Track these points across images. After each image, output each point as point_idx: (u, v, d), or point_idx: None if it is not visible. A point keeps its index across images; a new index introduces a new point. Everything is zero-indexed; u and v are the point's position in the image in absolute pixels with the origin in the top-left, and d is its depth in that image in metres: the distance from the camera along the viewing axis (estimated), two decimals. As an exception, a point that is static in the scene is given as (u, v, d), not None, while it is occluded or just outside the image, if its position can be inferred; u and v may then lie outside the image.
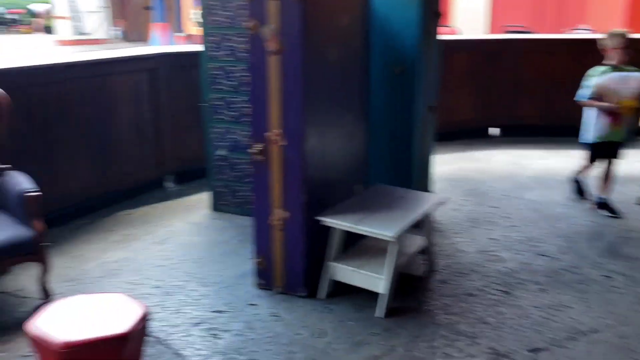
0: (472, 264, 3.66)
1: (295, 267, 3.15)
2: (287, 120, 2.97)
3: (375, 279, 3.04)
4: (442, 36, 4.25)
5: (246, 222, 4.27)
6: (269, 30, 2.89)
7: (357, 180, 3.63)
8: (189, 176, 5.17)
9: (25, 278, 3.39)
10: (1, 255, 2.90)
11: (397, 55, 3.84)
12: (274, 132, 3.01)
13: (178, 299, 3.21)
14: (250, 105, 3.07)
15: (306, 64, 2.89)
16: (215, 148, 4.39)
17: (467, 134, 6.71)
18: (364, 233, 3.03)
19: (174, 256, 3.76)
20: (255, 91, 3.02)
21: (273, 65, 2.92)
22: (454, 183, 5.22)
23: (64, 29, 19.27)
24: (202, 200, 4.75)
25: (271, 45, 2.90)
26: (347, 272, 3.12)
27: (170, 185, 5.12)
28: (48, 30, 22.66)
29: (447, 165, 5.71)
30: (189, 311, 3.09)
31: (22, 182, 3.14)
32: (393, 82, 3.89)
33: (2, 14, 24.58)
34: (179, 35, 14.55)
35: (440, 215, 4.35)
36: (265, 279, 3.27)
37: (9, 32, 24.25)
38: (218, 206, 4.52)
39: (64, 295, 3.22)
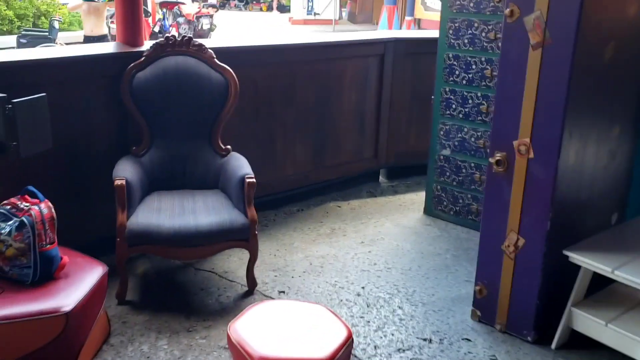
0: None
1: (526, 304, 2.67)
2: (540, 129, 2.49)
3: (631, 341, 2.43)
4: None
5: (463, 234, 3.88)
6: (534, 19, 2.41)
7: (614, 208, 2.99)
8: (404, 173, 4.89)
9: (234, 261, 3.41)
10: (214, 237, 2.89)
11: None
12: (522, 141, 2.54)
13: (381, 315, 2.94)
14: (492, 105, 2.65)
15: (576, 62, 2.37)
16: (439, 146, 4.03)
17: None
18: (629, 284, 2.43)
19: (380, 262, 3.50)
20: (505, 90, 2.58)
21: (533, 60, 2.44)
22: None
23: (297, 8, 20.34)
24: (415, 201, 4.44)
25: (534, 36, 2.43)
26: (593, 325, 2.56)
27: (383, 180, 4.90)
28: (283, 8, 24.18)
29: None
30: (393, 332, 2.79)
31: (241, 166, 3.12)
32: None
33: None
34: (408, 19, 14.34)
35: None
36: (484, 310, 2.84)
37: (248, 9, 26.41)
38: (433, 211, 4.17)
39: (267, 285, 3.17)
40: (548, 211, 2.52)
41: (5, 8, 11.18)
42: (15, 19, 11.39)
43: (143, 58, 3.23)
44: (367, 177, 4.82)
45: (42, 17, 11.89)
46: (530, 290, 2.65)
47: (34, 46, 9.32)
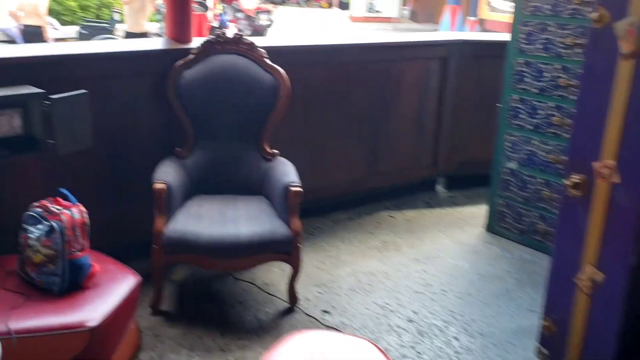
0: None
1: (602, 347, 2.36)
2: (628, 150, 2.17)
3: None
4: None
5: (528, 256, 3.57)
6: (627, 25, 2.10)
7: None
8: (464, 183, 4.58)
9: (275, 272, 3.21)
10: (254, 249, 2.70)
11: None
12: (605, 163, 2.23)
13: (434, 346, 2.68)
14: (568, 117, 2.35)
15: (676, 74, 2.05)
16: (504, 158, 3.72)
17: None
18: None
19: (435, 283, 3.24)
20: (587, 104, 2.28)
21: (623, 72, 2.13)
22: None
23: (357, 5, 20.08)
24: (476, 215, 4.14)
25: (626, 45, 2.11)
26: (681, 378, 2.23)
27: (441, 189, 4.61)
28: (344, 5, 23.94)
29: None
30: (447, 367, 2.54)
31: (287, 173, 2.92)
32: None
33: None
34: (470, 20, 13.86)
35: None
36: (552, 349, 2.54)
37: (308, 5, 26.31)
38: (495, 227, 3.86)
39: (310, 302, 2.96)
40: (633, 244, 2.21)
41: (70, -1, 11.42)
42: (78, 10, 11.61)
43: (191, 56, 3.08)
44: (424, 186, 4.55)
45: (104, 9, 12.08)
46: (608, 331, 2.33)
47: (93, 37, 9.45)
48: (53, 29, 9.83)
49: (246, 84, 3.08)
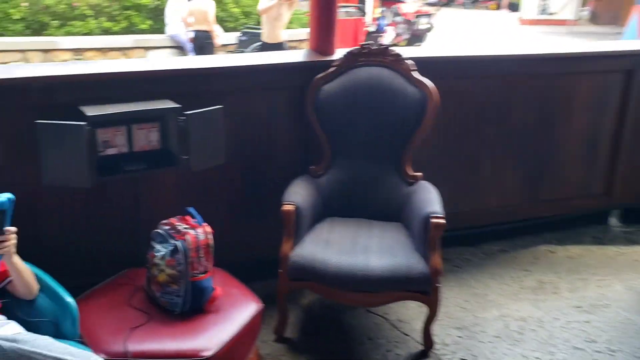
0: None
1: None
2: None
3: None
4: None
5: None
6: None
7: None
8: (645, 217, 4.04)
9: (411, 307, 3.01)
10: (385, 285, 2.52)
11: None
12: None
13: (594, 419, 2.32)
14: None
15: None
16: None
17: None
18: None
19: (601, 339, 2.83)
20: None
21: None
22: None
23: (528, 6, 19.06)
24: (657, 257, 3.61)
25: None
26: None
27: (615, 223, 4.09)
28: (513, 7, 22.89)
29: None
30: None
31: (429, 200, 2.70)
32: None
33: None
34: (663, 21, 12.42)
35: None
36: None
37: (476, 7, 25.55)
38: (682, 276, 3.32)
39: (447, 347, 2.73)
40: None
41: (234, 5, 11.98)
42: (241, 16, 12.16)
43: (332, 68, 2.98)
44: (593, 218, 4.09)
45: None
46: None
47: (251, 43, 9.85)
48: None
49: (389, 98, 2.92)
